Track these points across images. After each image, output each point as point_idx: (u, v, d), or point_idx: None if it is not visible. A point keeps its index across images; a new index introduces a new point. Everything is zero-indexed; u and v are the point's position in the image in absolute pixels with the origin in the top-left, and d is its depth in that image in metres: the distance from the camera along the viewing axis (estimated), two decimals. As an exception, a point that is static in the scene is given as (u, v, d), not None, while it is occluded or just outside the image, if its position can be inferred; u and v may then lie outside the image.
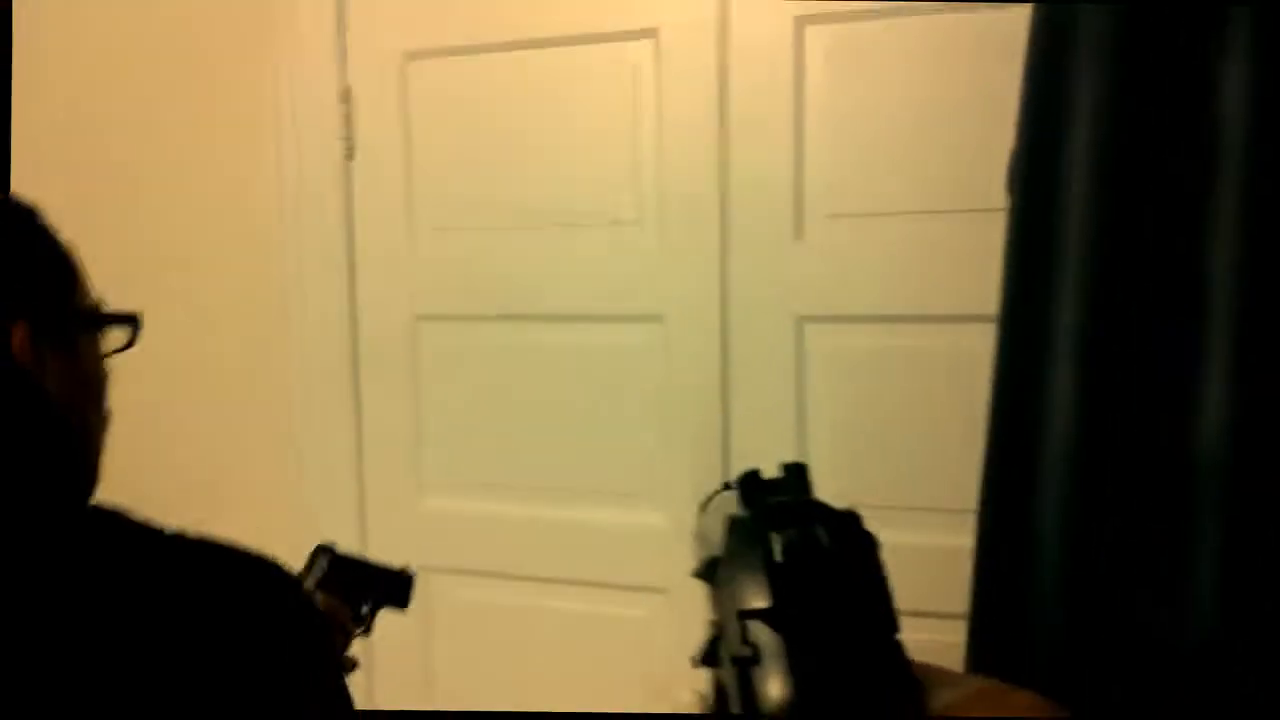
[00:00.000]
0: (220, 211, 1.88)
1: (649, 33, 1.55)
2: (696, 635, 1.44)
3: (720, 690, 0.29)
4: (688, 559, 1.55)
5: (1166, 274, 1.10)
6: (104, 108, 1.94)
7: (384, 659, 1.84)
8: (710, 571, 0.31)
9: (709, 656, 0.31)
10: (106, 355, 0.90)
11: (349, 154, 1.79)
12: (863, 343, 1.49)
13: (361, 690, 1.86)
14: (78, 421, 0.84)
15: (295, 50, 1.78)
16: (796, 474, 0.32)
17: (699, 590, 1.53)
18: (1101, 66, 1.12)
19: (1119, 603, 1.12)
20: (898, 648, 0.27)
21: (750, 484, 0.32)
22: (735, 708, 0.27)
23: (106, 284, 1.74)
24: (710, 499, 0.40)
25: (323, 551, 1.27)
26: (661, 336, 1.60)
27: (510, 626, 1.76)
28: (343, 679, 0.89)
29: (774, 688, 0.26)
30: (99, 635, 0.68)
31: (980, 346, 1.21)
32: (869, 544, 0.29)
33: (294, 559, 1.79)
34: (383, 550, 1.78)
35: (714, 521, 0.34)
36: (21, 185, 1.89)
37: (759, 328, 1.54)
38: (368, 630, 1.30)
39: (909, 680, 0.26)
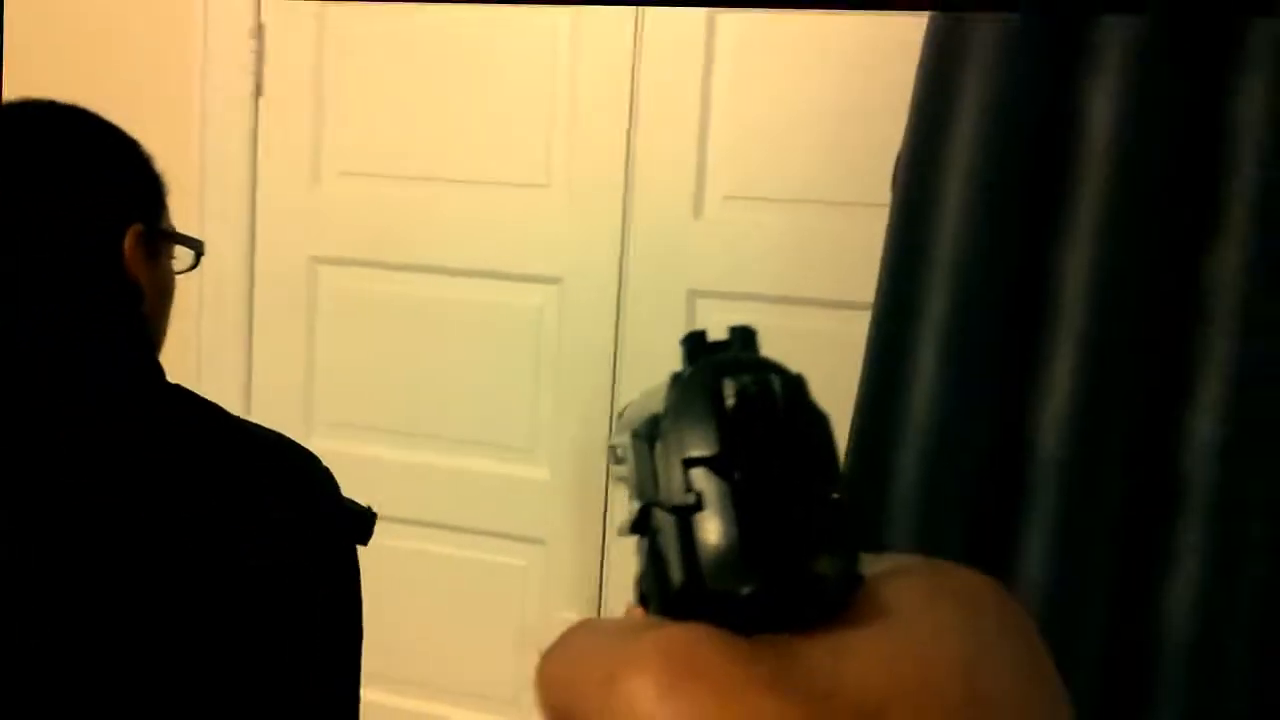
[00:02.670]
0: (138, 137, 1.85)
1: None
2: (572, 586, 1.53)
3: (653, 559, 0.27)
4: (567, 512, 1.61)
5: (1022, 274, 1.20)
6: (28, 32, 1.88)
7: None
8: (650, 430, 0.28)
9: (638, 524, 0.28)
10: (177, 272, 1.00)
11: (257, 91, 1.78)
12: (750, 321, 1.56)
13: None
14: (154, 325, 0.94)
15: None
16: (744, 336, 0.29)
17: (575, 543, 1.61)
18: (982, 80, 1.21)
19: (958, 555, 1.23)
20: (842, 509, 0.25)
21: (695, 343, 0.29)
22: (673, 565, 0.25)
23: None
24: (627, 406, 0.36)
25: None
26: (558, 299, 1.65)
27: (393, 569, 1.80)
28: (347, 583, 0.97)
29: (715, 534, 0.24)
30: (140, 501, 0.76)
31: (861, 333, 1.30)
32: (817, 407, 0.27)
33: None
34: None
35: (642, 407, 0.31)
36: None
37: (653, 299, 1.61)
38: None
39: (851, 539, 0.25)
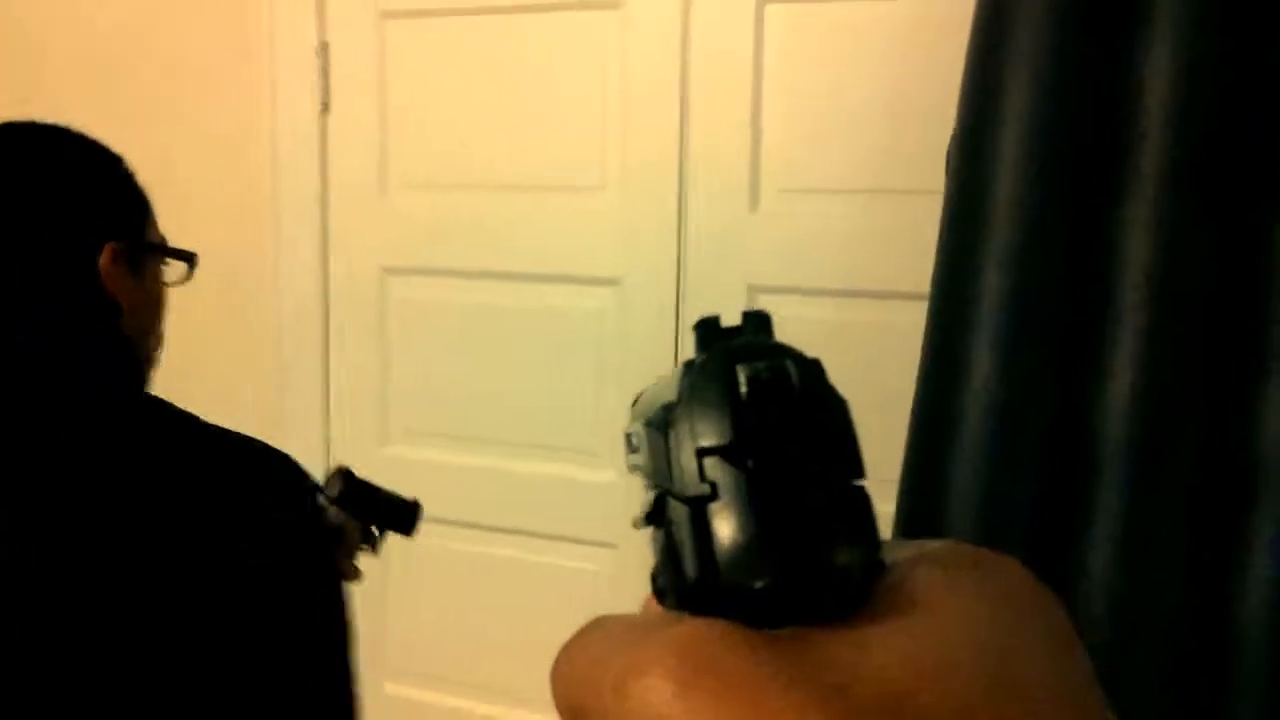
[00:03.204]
0: (211, 160, 1.93)
1: (615, 4, 1.60)
2: (643, 589, 1.53)
3: (669, 552, 0.26)
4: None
5: (1080, 255, 1.17)
6: (93, 58, 1.98)
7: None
8: (663, 419, 0.26)
9: (653, 515, 0.27)
10: (168, 284, 1.02)
11: (324, 108, 1.83)
12: (812, 314, 1.56)
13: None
14: (138, 335, 0.95)
15: (274, 4, 1.82)
16: (758, 320, 0.28)
17: (646, 545, 1.63)
18: (1030, 56, 1.18)
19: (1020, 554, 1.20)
20: (864, 496, 0.24)
21: (708, 328, 0.28)
22: (687, 558, 0.25)
23: None
24: (641, 393, 0.35)
25: (341, 472, 1.37)
26: (617, 300, 1.66)
27: (464, 573, 1.84)
28: (338, 582, 0.97)
29: (729, 526, 0.24)
30: (140, 502, 0.78)
31: (923, 323, 1.28)
32: (836, 392, 0.26)
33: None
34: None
35: (655, 395, 0.31)
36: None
37: (713, 295, 1.60)
38: (375, 549, 1.42)
39: (871, 528, 0.24)
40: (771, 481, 0.24)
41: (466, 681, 1.82)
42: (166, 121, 1.94)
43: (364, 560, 1.86)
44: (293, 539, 0.86)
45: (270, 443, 1.28)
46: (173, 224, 1.94)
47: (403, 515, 1.42)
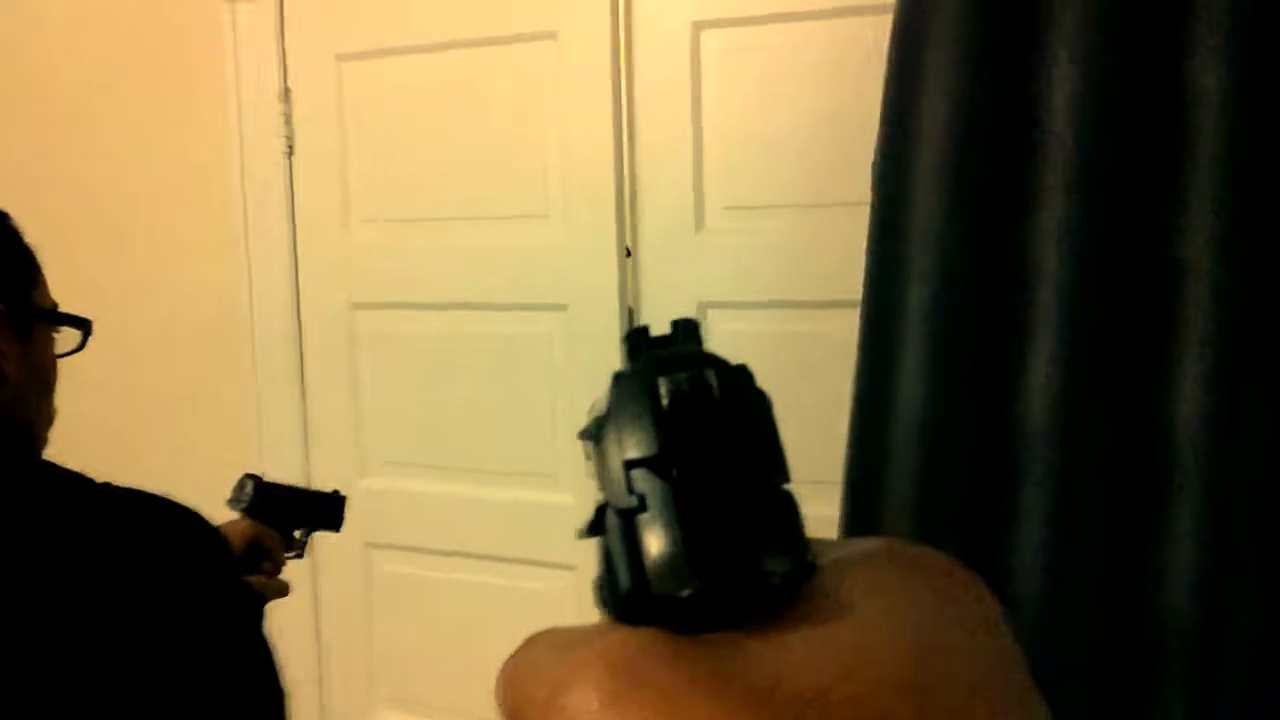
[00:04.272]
0: (184, 201, 1.99)
1: (552, 34, 1.64)
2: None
3: (609, 563, 0.26)
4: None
5: (998, 262, 1.19)
6: (66, 108, 2.04)
7: (331, 624, 1.96)
8: (596, 431, 0.27)
9: (595, 525, 0.27)
10: (58, 355, 0.95)
11: (289, 150, 1.88)
12: (760, 327, 1.59)
13: (311, 653, 1.98)
14: (18, 408, 0.88)
15: (238, 53, 1.88)
16: (686, 328, 0.28)
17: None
18: (943, 66, 1.21)
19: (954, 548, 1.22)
20: (789, 499, 0.24)
21: (636, 338, 0.28)
22: (620, 569, 0.25)
23: (78, 272, 1.86)
24: (593, 405, 0.32)
25: (249, 479, 1.29)
26: (567, 324, 1.70)
27: (435, 599, 1.87)
28: (249, 616, 0.92)
29: (657, 537, 0.24)
30: (24, 566, 0.76)
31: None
32: (760, 397, 0.26)
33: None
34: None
35: (599, 403, 0.29)
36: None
37: (664, 314, 1.63)
38: (300, 554, 1.34)
39: (798, 531, 0.24)
40: (696, 491, 0.24)
41: (451, 708, 1.85)
42: (139, 164, 2.00)
43: (347, 586, 1.89)
44: (191, 593, 0.82)
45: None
46: (148, 266, 2.01)
47: (326, 510, 1.36)
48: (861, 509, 1.29)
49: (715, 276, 1.61)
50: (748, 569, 0.23)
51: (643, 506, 0.25)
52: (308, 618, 1.98)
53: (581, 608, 1.72)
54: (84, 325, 0.97)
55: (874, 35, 1.43)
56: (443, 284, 1.78)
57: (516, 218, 1.70)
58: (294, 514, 1.33)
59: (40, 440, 0.93)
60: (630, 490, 0.25)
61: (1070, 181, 1.13)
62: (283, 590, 1.28)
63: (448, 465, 1.82)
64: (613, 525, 0.26)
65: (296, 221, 1.90)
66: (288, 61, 1.86)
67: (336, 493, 1.39)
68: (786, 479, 0.25)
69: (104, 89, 2.01)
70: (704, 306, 1.62)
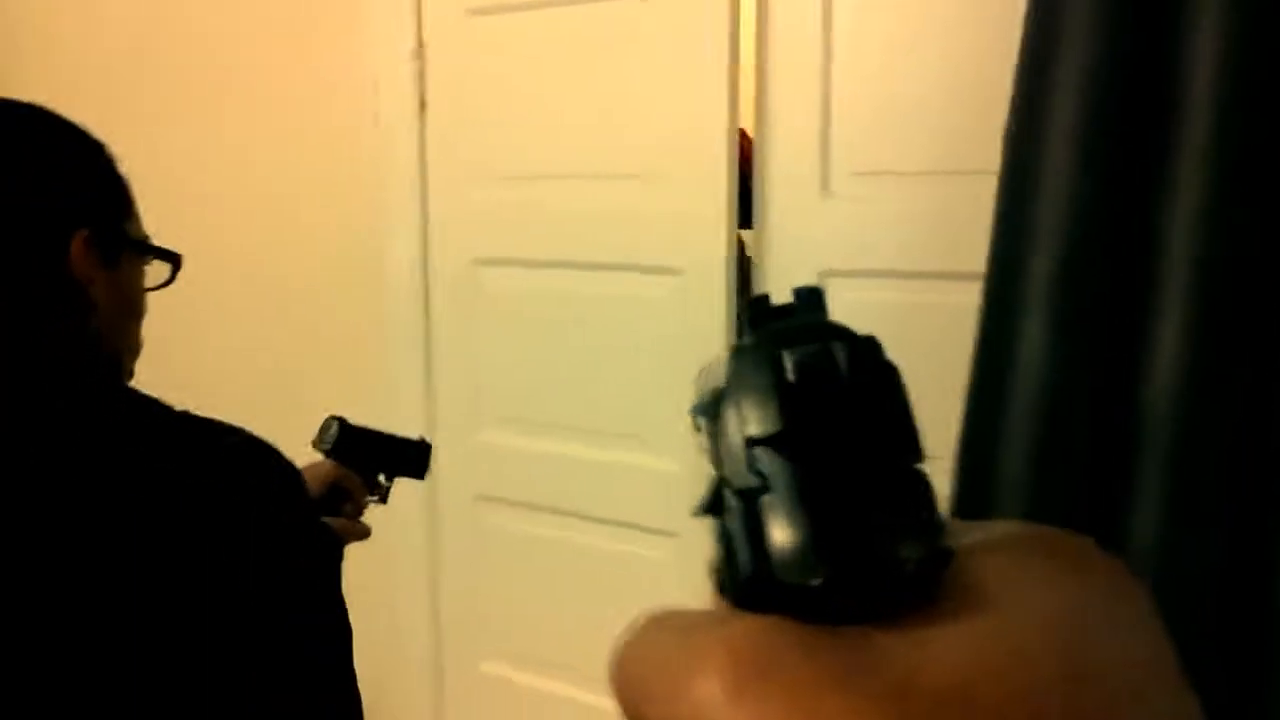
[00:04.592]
0: (322, 157, 2.05)
1: None
2: (702, 580, 1.54)
3: (725, 544, 0.25)
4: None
5: (1125, 232, 1.13)
6: (211, 70, 2.12)
7: (446, 574, 2.02)
8: (713, 405, 0.26)
9: (711, 504, 0.26)
10: (148, 288, 0.96)
11: (422, 105, 1.91)
12: (883, 297, 1.54)
13: (426, 601, 2.04)
14: (110, 334, 0.89)
15: (373, 9, 1.91)
16: (809, 297, 0.27)
17: (706, 536, 1.64)
18: (1080, 33, 1.15)
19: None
20: (923, 480, 0.23)
21: (758, 309, 0.26)
22: (740, 553, 0.24)
23: (221, 222, 1.92)
24: (702, 370, 0.32)
25: (334, 420, 1.29)
26: (680, 287, 1.68)
27: (540, 554, 1.90)
28: (323, 555, 0.92)
29: (781, 521, 0.23)
30: (104, 492, 0.77)
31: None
32: (891, 371, 0.25)
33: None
34: (447, 480, 1.95)
35: (712, 375, 0.28)
36: (172, 147, 2.11)
37: (785, 281, 1.60)
38: (384, 499, 1.33)
39: (933, 514, 0.23)
40: (824, 472, 0.23)
41: (552, 661, 1.89)
42: (279, 119, 2.07)
43: (460, 538, 1.92)
44: (267, 528, 0.82)
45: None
46: (287, 217, 2.08)
47: (411, 457, 1.35)
48: (973, 486, 1.25)
49: (839, 244, 1.57)
50: (880, 556, 0.22)
51: (766, 487, 0.23)
52: (424, 567, 2.04)
53: (682, 576, 1.72)
54: (173, 259, 0.97)
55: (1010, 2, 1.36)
56: (561, 242, 1.79)
57: (633, 178, 1.69)
58: (378, 459, 1.32)
59: (127, 369, 0.94)
60: (752, 469, 0.24)
61: (1208, 155, 1.06)
62: (363, 533, 1.27)
63: (559, 424, 1.84)
64: (732, 505, 0.25)
65: (427, 177, 1.93)
66: (423, 17, 1.89)
67: (423, 440, 1.38)
68: (920, 458, 0.24)
69: (246, 49, 2.08)
70: (825, 274, 1.58)
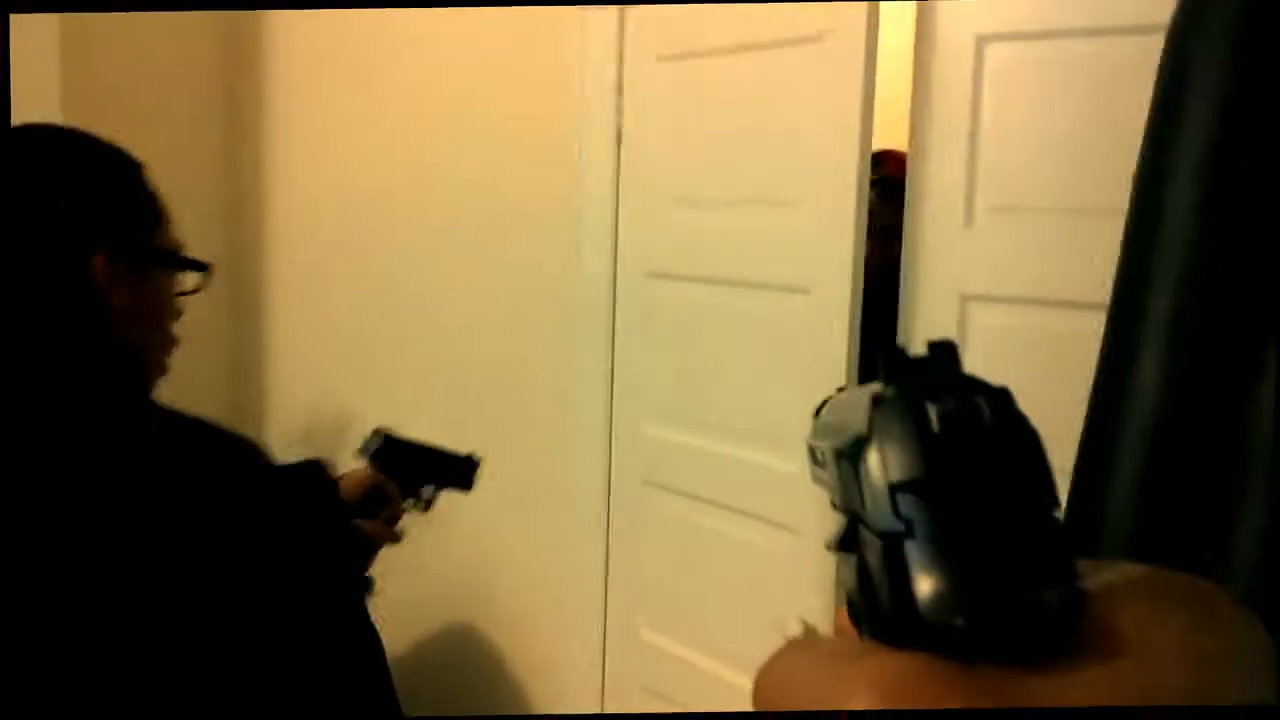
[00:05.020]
0: (526, 180, 2.35)
1: (813, 39, 1.80)
2: (821, 575, 1.73)
3: (863, 580, 0.27)
4: (819, 505, 1.79)
5: (1245, 278, 1.23)
6: (434, 102, 2.47)
7: (615, 551, 2.27)
8: (854, 449, 0.27)
9: (846, 541, 0.28)
10: (180, 293, 1.04)
11: (619, 139, 2.18)
12: (1018, 323, 1.68)
13: (599, 575, 2.29)
14: (134, 340, 0.96)
15: (583, 52, 2.20)
16: (944, 351, 0.28)
17: (822, 535, 1.76)
18: (1209, 91, 1.26)
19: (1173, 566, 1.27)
20: (1059, 526, 0.24)
21: (894, 361, 0.28)
22: (882, 591, 0.25)
23: (435, 236, 2.21)
24: (824, 403, 0.36)
25: (377, 433, 1.37)
26: (834, 306, 1.83)
27: (688, 537, 2.11)
28: (346, 556, 1.00)
29: (926, 564, 0.24)
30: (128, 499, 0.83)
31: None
32: (1024, 420, 0.26)
33: (556, 475, 2.23)
34: (619, 465, 2.20)
35: (841, 416, 0.31)
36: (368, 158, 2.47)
37: (929, 305, 1.77)
38: (426, 508, 1.40)
39: (1070, 559, 0.24)
40: (966, 517, 0.24)
41: (698, 641, 2.10)
42: (497, 147, 2.39)
43: (627, 519, 2.12)
44: (291, 532, 0.89)
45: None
46: (494, 231, 2.38)
47: (456, 471, 1.42)
48: (1084, 508, 1.36)
49: (980, 271, 1.72)
50: (1021, 598, 0.23)
51: (910, 531, 0.24)
52: (599, 544, 2.29)
53: (797, 569, 1.87)
54: (200, 267, 1.04)
55: (1148, 52, 1.49)
56: (715, 259, 2.01)
57: (781, 203, 1.88)
58: (421, 470, 1.38)
59: (156, 365, 1.01)
60: (896, 513, 0.25)
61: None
62: (395, 538, 1.33)
63: (707, 421, 2.05)
64: (870, 543, 0.26)
65: (620, 201, 2.20)
66: (625, 57, 2.15)
67: (471, 456, 1.46)
68: (1056, 505, 0.25)
69: (466, 80, 2.41)
70: (965, 298, 1.74)
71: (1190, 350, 1.30)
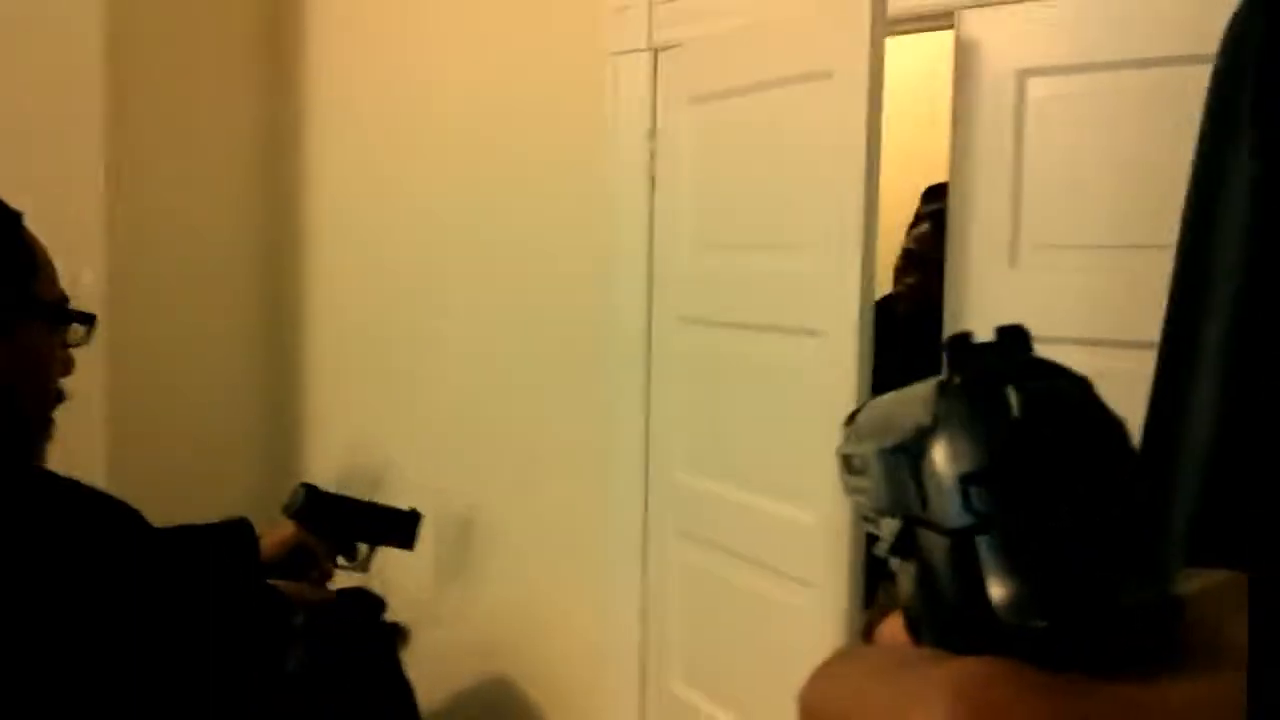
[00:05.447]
0: (562, 227, 2.35)
1: (824, 75, 1.74)
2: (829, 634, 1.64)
3: (924, 584, 0.24)
4: (832, 556, 1.71)
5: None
6: (469, 145, 2.48)
7: (652, 600, 2.21)
8: (916, 443, 0.24)
9: (902, 544, 0.25)
10: (64, 345, 1.00)
11: (652, 183, 2.16)
12: (1067, 362, 1.64)
13: (637, 625, 2.24)
14: (12, 396, 0.93)
15: (616, 97, 2.20)
16: (1015, 336, 0.26)
17: (839, 589, 1.69)
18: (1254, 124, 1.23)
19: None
20: (1148, 521, 0.23)
21: (960, 347, 0.25)
22: (949, 593, 0.23)
23: (467, 280, 2.17)
24: (856, 411, 0.33)
25: (302, 487, 1.30)
26: (822, 349, 1.76)
27: (710, 588, 2.05)
28: (253, 618, 0.95)
29: (1002, 561, 0.21)
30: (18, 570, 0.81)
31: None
32: (1108, 411, 0.24)
33: (595, 523, 2.19)
34: (655, 515, 2.15)
35: (887, 415, 0.28)
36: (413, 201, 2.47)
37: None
38: (363, 567, 1.33)
39: (1165, 560, 0.23)
40: (1047, 510, 0.22)
41: (722, 695, 2.03)
42: (529, 193, 2.39)
43: (662, 569, 2.06)
44: (102, 569, 0.85)
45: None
46: (531, 277, 2.37)
47: (394, 527, 1.34)
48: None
49: (1025, 311, 1.67)
50: (1106, 603, 0.21)
51: (983, 526, 0.22)
52: (636, 594, 2.24)
53: (814, 624, 1.75)
54: (80, 319, 1.01)
55: (1193, 82, 1.45)
56: (735, 303, 1.97)
57: (795, 247, 1.83)
58: (353, 526, 1.32)
59: (40, 422, 0.98)
60: (967, 508, 0.23)
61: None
62: (322, 597, 1.27)
63: (727, 469, 1.99)
64: (934, 545, 0.24)
65: (654, 245, 2.17)
66: (658, 101, 2.14)
67: (412, 511, 1.39)
68: (1146, 499, 0.25)
69: (501, 129, 2.42)
70: (1009, 339, 1.69)
71: (1248, 376, 1.26)
